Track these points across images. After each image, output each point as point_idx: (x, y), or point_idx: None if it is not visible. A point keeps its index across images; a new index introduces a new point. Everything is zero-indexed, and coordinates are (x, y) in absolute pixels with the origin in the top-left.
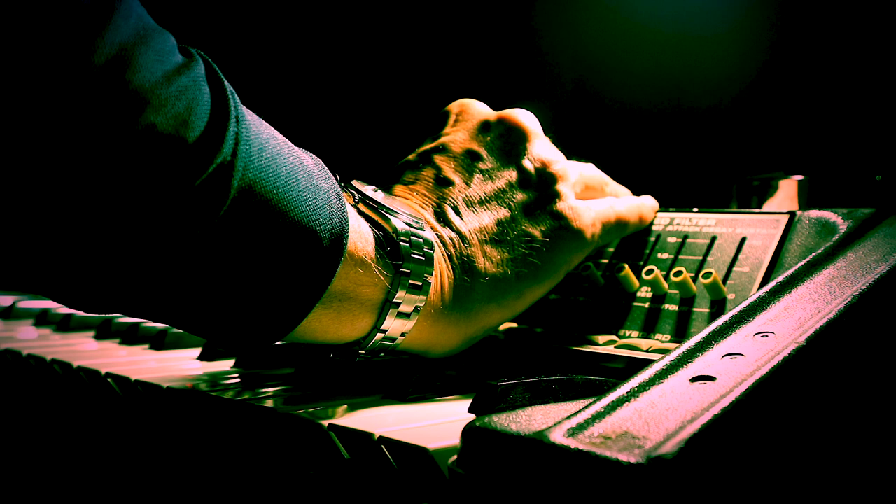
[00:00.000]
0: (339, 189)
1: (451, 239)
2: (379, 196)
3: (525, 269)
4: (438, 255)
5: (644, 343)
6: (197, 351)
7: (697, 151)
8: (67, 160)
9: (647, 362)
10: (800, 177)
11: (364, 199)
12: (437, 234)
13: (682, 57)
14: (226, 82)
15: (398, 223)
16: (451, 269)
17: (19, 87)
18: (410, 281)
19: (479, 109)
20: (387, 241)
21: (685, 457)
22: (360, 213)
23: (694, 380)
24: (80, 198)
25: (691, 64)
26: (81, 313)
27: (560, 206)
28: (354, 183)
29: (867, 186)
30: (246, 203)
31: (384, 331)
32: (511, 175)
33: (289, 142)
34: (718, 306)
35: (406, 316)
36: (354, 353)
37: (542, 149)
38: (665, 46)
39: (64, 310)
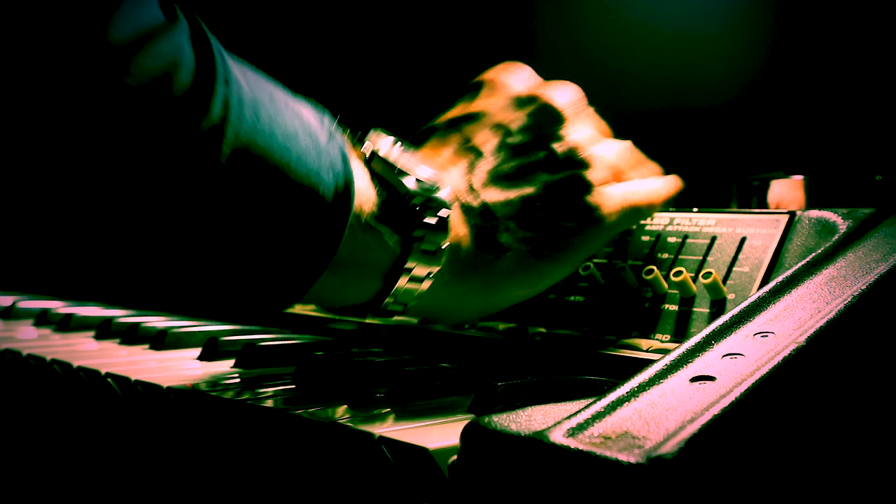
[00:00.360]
0: (344, 146)
1: (475, 208)
2: (396, 152)
3: (547, 250)
4: (458, 221)
5: (644, 343)
6: (197, 351)
7: (697, 151)
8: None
9: (647, 362)
10: (800, 177)
11: (375, 156)
12: (461, 203)
13: (682, 57)
14: (214, 43)
15: (410, 183)
16: (472, 238)
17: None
18: (423, 247)
19: (515, 81)
20: (397, 202)
21: (685, 457)
22: (373, 171)
23: (694, 380)
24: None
25: (691, 64)
26: (82, 313)
27: (586, 192)
28: (372, 135)
29: (867, 186)
30: (244, 162)
31: (394, 295)
32: (540, 155)
33: (289, 96)
34: (718, 306)
35: (418, 281)
36: (363, 314)
37: (574, 131)
38: (665, 46)
39: (64, 310)
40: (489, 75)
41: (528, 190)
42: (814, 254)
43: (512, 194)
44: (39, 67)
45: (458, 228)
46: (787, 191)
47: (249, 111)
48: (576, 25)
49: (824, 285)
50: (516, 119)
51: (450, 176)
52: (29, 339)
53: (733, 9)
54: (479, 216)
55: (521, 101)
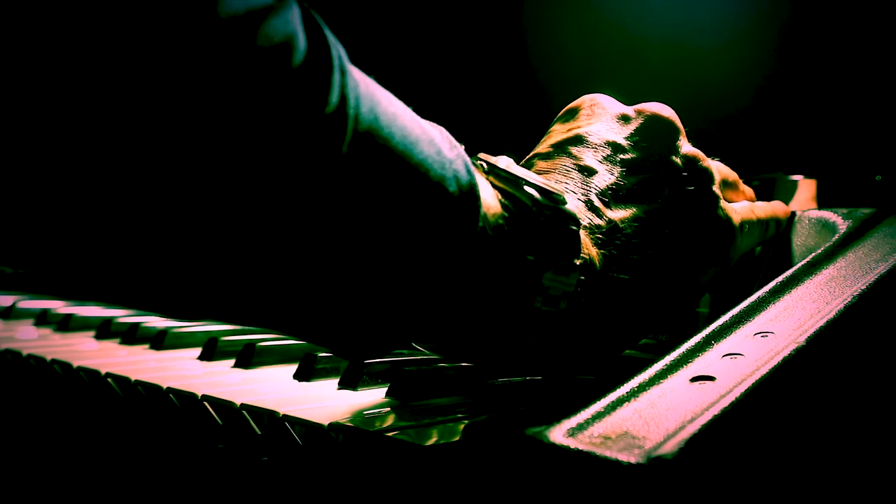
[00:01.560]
0: (467, 159)
1: (600, 226)
2: (515, 167)
3: (683, 267)
4: (585, 240)
5: (644, 343)
6: (197, 351)
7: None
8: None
9: (647, 362)
10: (799, 177)
11: (494, 170)
12: (584, 224)
13: (688, 64)
14: (326, 30)
15: (535, 193)
16: (602, 257)
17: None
18: (557, 261)
19: (614, 103)
20: (525, 214)
21: (685, 457)
22: (495, 184)
23: (694, 380)
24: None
25: (696, 73)
26: (82, 313)
27: (714, 206)
28: (482, 155)
29: (867, 186)
30: (365, 156)
31: (530, 322)
32: (659, 169)
33: (401, 102)
34: (718, 306)
35: (554, 303)
36: (493, 352)
37: (687, 145)
38: (672, 52)
39: (64, 310)
40: (581, 101)
41: (653, 205)
42: (814, 254)
43: (638, 210)
44: (142, 43)
45: (587, 248)
46: (787, 190)
47: (367, 107)
48: (582, 34)
49: (824, 285)
50: (625, 135)
51: (569, 197)
52: (29, 339)
53: (737, 18)
54: (607, 234)
55: (628, 118)
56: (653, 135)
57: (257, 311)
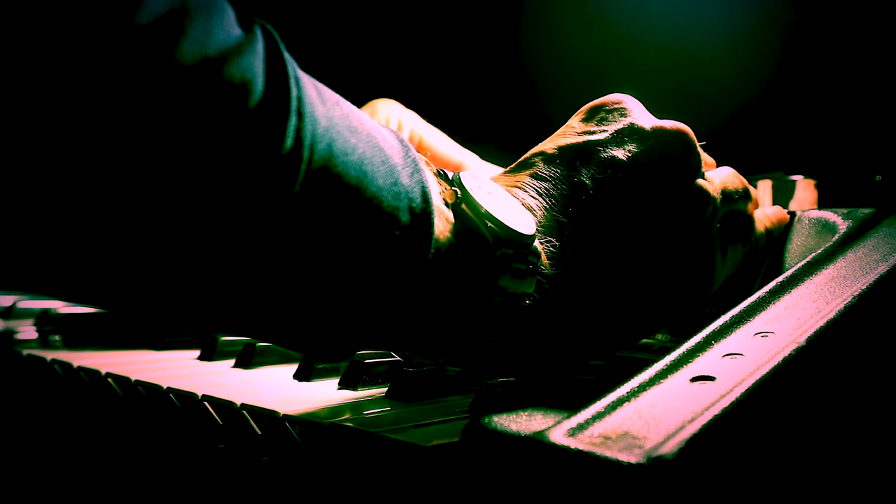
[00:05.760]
0: (427, 185)
1: (581, 255)
2: (488, 197)
3: (649, 295)
4: (547, 262)
5: (644, 343)
6: (197, 351)
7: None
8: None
9: (647, 362)
10: (799, 177)
11: (467, 198)
12: (560, 251)
13: (690, 65)
14: (290, 66)
15: (498, 230)
16: (569, 285)
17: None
18: (509, 290)
19: (637, 110)
20: (478, 248)
21: (685, 457)
22: (458, 214)
23: (694, 380)
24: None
25: (697, 73)
26: (82, 313)
27: (702, 245)
28: (463, 178)
29: (867, 186)
30: (313, 200)
31: (477, 345)
32: (664, 195)
33: (372, 125)
34: (718, 306)
35: (501, 327)
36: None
37: (700, 180)
38: (674, 53)
39: (64, 310)
40: (605, 101)
41: (635, 241)
42: (814, 254)
43: (617, 244)
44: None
45: (547, 267)
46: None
47: (323, 144)
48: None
49: (824, 285)
50: (634, 154)
51: (554, 213)
52: (29, 339)
53: (739, 22)
54: (582, 265)
55: (645, 134)
56: (660, 160)
57: (235, 319)
